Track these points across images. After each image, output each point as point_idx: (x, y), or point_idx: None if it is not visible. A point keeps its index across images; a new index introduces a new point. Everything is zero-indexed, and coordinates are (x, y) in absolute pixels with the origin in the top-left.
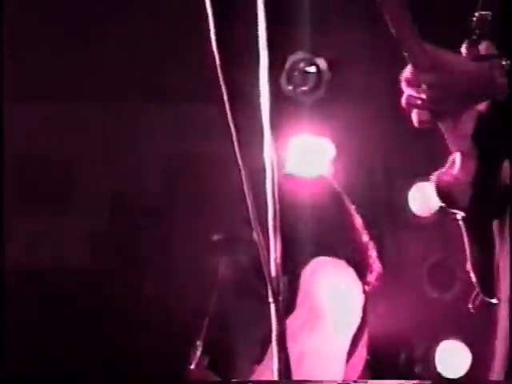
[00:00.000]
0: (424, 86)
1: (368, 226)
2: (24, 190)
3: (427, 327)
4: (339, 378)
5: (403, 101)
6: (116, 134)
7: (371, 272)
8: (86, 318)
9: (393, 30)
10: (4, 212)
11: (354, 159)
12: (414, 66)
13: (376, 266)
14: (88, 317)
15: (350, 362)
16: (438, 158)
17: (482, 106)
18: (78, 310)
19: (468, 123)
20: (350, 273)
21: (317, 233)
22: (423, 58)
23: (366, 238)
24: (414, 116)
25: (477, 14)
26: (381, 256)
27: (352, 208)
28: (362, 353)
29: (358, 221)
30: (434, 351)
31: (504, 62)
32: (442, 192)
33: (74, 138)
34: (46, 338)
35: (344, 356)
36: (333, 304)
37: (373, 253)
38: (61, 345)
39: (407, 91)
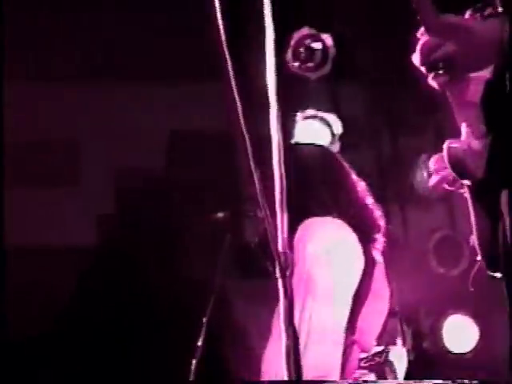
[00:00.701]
0: (438, 49)
1: (377, 201)
2: (26, 172)
3: (434, 302)
4: (334, 350)
5: (418, 63)
6: (118, 114)
7: (378, 233)
8: (90, 298)
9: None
10: (7, 192)
11: (361, 135)
12: (428, 30)
13: (383, 228)
14: (93, 296)
15: (361, 325)
16: (446, 134)
17: (489, 74)
18: (83, 289)
19: (475, 91)
20: (347, 232)
21: (315, 194)
22: (437, 23)
23: (370, 200)
24: (430, 79)
25: None
26: (389, 232)
27: (353, 173)
28: (375, 319)
29: (361, 184)
30: (442, 326)
31: None
32: (454, 162)
33: (76, 119)
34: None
35: (340, 320)
36: (322, 265)
37: (379, 215)
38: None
39: (422, 57)
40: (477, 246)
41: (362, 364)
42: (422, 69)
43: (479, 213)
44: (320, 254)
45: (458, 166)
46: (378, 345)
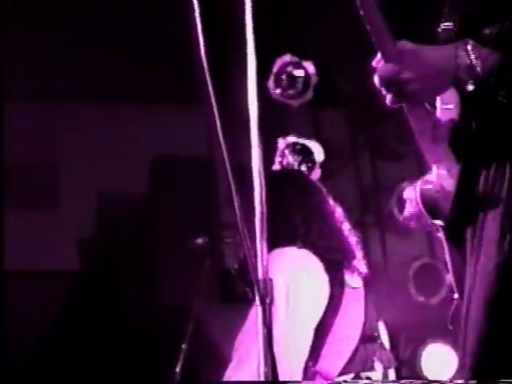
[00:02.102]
0: (394, 73)
1: (356, 227)
2: (12, 193)
3: (414, 330)
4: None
5: (377, 83)
6: (100, 136)
7: (353, 260)
8: (75, 320)
9: (367, 26)
10: None
11: (342, 162)
12: (385, 57)
13: (360, 255)
14: (78, 318)
15: (326, 353)
16: (424, 165)
17: (455, 115)
18: (64, 312)
19: (443, 131)
20: (310, 264)
21: (287, 221)
22: (394, 50)
23: (347, 226)
24: (388, 98)
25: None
26: (368, 258)
27: (330, 198)
28: (344, 346)
29: (338, 210)
30: (420, 354)
31: (469, 45)
32: (427, 204)
33: (59, 140)
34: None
35: (300, 345)
36: (280, 301)
37: (355, 241)
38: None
39: (380, 81)
40: (453, 284)
41: None
42: (382, 90)
43: (453, 252)
44: (278, 289)
45: (431, 207)
46: (348, 372)
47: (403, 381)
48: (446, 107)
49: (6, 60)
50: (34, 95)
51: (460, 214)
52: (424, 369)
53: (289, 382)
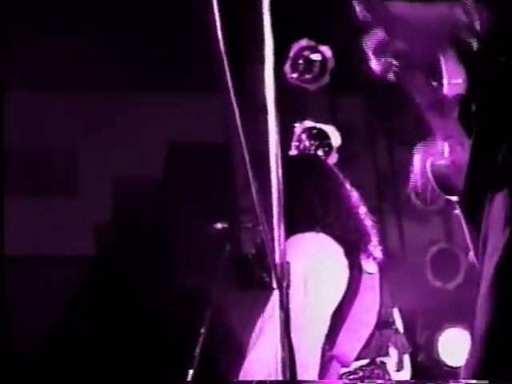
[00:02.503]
0: (390, 45)
1: (372, 212)
2: (26, 181)
3: (431, 315)
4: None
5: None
6: (118, 123)
7: (369, 244)
8: (93, 307)
9: None
10: (7, 202)
11: (359, 147)
12: (375, 21)
13: (375, 240)
14: (95, 305)
15: (343, 338)
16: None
17: (463, 90)
18: (80, 299)
19: (452, 106)
20: (329, 249)
21: (305, 205)
22: (383, 14)
23: (363, 210)
24: (378, 66)
25: None
26: (384, 244)
27: (347, 183)
28: (360, 332)
29: (354, 194)
30: (437, 339)
31: (466, 3)
32: (439, 180)
33: (77, 128)
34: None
35: (317, 330)
36: (298, 287)
37: (371, 225)
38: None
39: (373, 49)
40: (476, 263)
41: (345, 379)
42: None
43: (471, 228)
44: (298, 275)
45: (443, 183)
46: (363, 358)
47: (414, 380)
48: (453, 82)
49: (24, 47)
50: (53, 84)
51: (474, 189)
52: (441, 354)
53: (304, 381)
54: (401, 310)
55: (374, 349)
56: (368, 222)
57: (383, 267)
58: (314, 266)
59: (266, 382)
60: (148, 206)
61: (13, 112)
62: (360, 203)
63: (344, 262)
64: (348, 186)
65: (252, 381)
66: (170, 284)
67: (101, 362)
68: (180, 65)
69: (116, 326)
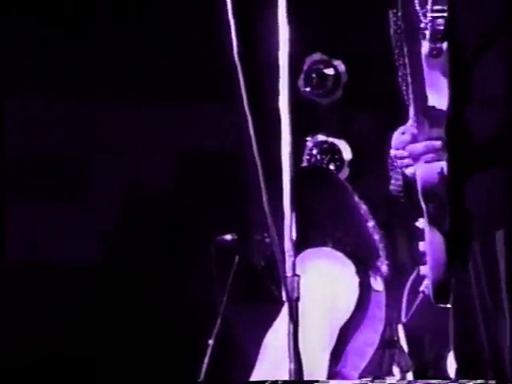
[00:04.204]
0: None
1: (381, 227)
2: (34, 188)
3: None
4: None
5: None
6: (128, 130)
7: (377, 260)
8: (96, 314)
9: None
10: (12, 209)
11: (371, 162)
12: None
13: (383, 254)
14: (100, 313)
15: (348, 354)
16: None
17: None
18: (89, 306)
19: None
20: (342, 266)
21: (315, 219)
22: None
23: (371, 223)
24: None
25: None
26: (391, 259)
27: (356, 196)
28: (364, 350)
29: (363, 207)
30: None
31: None
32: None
33: (86, 136)
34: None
35: (321, 345)
36: (310, 299)
37: (378, 238)
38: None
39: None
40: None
41: None
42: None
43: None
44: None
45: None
46: (366, 375)
47: (419, 380)
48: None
49: (33, 52)
50: (66, 91)
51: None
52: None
53: (314, 381)
54: (407, 327)
55: (377, 367)
56: (376, 236)
57: (389, 283)
58: (328, 282)
59: (277, 382)
60: (157, 214)
61: (26, 118)
62: (368, 216)
63: (356, 281)
64: (357, 199)
65: (266, 381)
66: (179, 295)
67: (108, 374)
68: (192, 74)
69: (124, 337)
